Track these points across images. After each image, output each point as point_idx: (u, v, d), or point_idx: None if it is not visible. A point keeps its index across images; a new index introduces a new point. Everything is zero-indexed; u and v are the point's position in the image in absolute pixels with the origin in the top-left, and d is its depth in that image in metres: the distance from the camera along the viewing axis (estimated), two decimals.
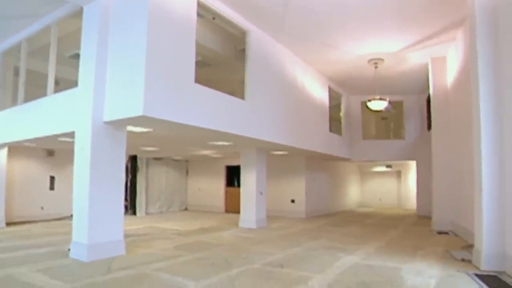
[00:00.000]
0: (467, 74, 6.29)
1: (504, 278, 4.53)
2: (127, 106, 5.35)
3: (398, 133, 14.57)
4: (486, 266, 4.93)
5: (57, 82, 6.91)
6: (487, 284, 4.27)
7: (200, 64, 7.71)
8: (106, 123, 5.73)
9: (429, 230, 9.22)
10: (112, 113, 5.62)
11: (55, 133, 6.51)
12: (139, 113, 5.13)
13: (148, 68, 5.16)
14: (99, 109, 5.68)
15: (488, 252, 4.98)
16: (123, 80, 5.51)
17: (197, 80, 6.03)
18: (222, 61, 8.89)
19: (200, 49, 6.86)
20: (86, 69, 5.83)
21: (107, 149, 5.78)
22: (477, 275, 4.66)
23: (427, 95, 11.45)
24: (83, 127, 5.73)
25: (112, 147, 5.86)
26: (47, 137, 6.89)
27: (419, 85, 11.79)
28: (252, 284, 4.32)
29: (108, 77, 5.75)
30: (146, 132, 7.04)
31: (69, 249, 5.73)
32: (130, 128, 6.33)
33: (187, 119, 5.83)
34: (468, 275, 4.70)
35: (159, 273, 4.75)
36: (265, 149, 9.95)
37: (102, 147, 5.70)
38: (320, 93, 11.00)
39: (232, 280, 4.46)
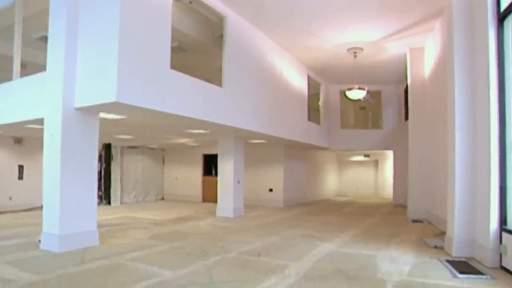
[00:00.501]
0: (444, 65, 6.37)
1: (472, 263, 4.71)
2: (100, 91, 5.13)
3: (376, 123, 14.76)
4: (457, 252, 5.11)
5: (24, 66, 6.57)
6: (456, 269, 4.43)
7: (176, 50, 7.48)
8: (77, 109, 5.49)
9: (405, 218, 9.44)
10: (83, 99, 5.38)
11: (22, 119, 6.21)
12: (112, 99, 4.92)
13: (121, 52, 4.93)
14: (70, 94, 5.42)
15: (459, 239, 5.16)
16: (95, 64, 5.26)
17: (173, 66, 5.85)
18: (199, 47, 8.67)
19: (176, 34, 6.64)
20: (55, 52, 5.53)
21: (79, 136, 5.56)
22: (448, 261, 4.83)
23: (405, 85, 11.62)
24: (52, 113, 5.47)
25: (84, 135, 5.65)
26: (14, 123, 6.57)
27: (397, 75, 11.94)
28: (228, 273, 4.29)
29: (79, 61, 5.48)
30: (120, 119, 6.80)
31: (39, 240, 5.52)
32: (102, 115, 6.09)
33: (162, 106, 5.65)
34: (440, 261, 4.85)
35: (134, 263, 4.64)
36: (243, 138, 9.87)
37: (73, 135, 5.48)
38: (299, 82, 10.96)
39: (208, 269, 4.41)
